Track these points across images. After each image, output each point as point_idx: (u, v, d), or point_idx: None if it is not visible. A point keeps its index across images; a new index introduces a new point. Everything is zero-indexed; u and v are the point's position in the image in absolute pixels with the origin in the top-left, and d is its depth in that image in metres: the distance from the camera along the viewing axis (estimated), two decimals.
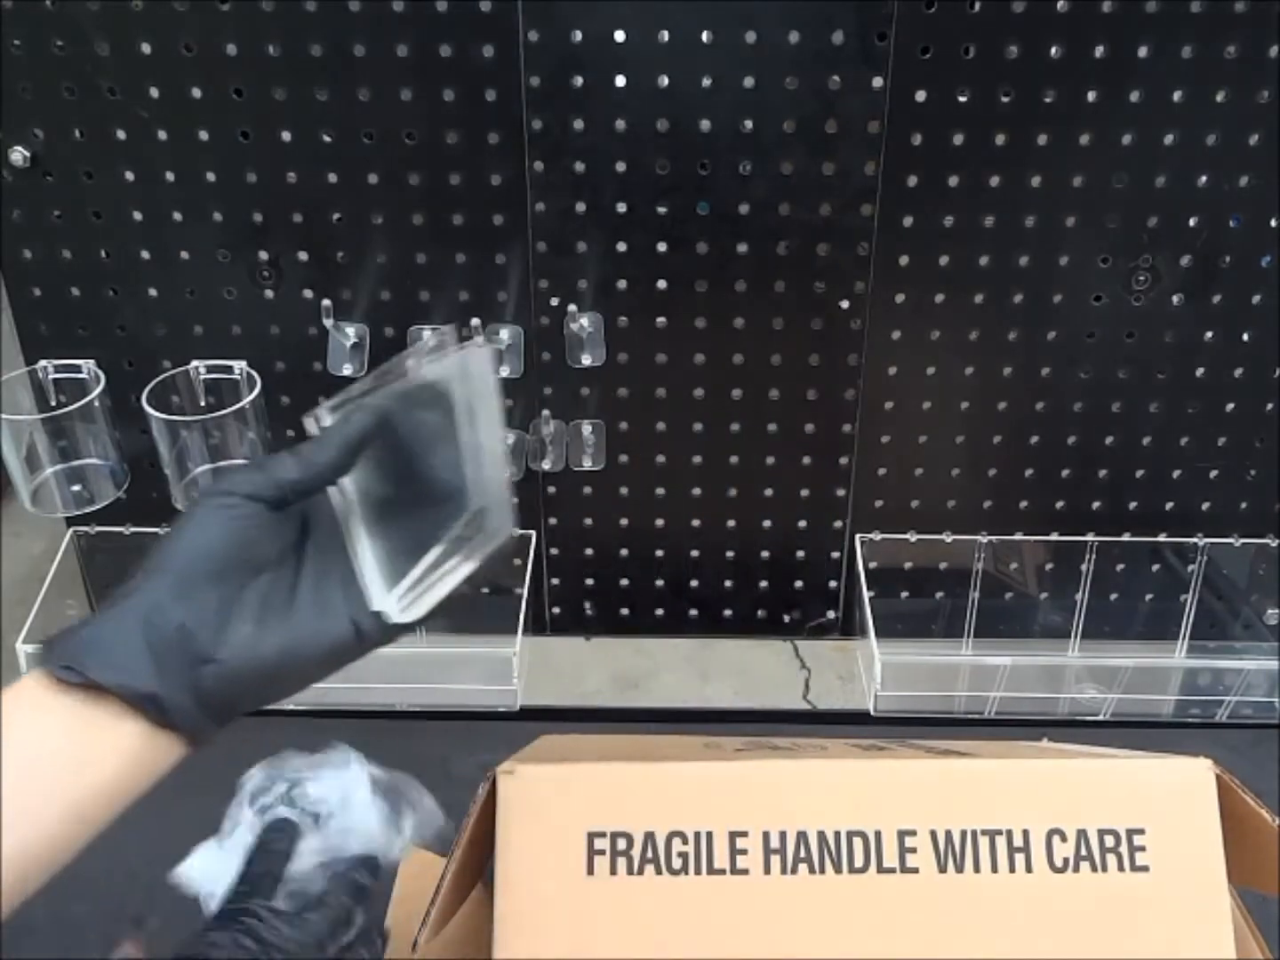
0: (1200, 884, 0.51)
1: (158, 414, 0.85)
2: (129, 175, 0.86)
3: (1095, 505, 0.99)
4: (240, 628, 0.45)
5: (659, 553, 1.02)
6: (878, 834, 0.51)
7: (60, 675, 0.42)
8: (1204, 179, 0.84)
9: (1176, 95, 0.81)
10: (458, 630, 0.96)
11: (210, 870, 0.66)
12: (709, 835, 0.51)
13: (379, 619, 0.47)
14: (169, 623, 0.43)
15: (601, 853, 0.51)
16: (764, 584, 1.03)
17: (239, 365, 0.90)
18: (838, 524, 1.00)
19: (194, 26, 0.80)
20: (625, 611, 1.05)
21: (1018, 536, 0.98)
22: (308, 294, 0.90)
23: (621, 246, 0.88)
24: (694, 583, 1.03)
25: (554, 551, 1.02)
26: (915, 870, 0.51)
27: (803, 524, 1.00)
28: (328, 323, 0.90)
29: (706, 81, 0.81)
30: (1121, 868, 0.51)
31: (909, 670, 0.89)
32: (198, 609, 0.44)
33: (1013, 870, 0.51)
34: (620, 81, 0.81)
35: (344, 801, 0.68)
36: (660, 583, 1.03)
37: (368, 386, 0.49)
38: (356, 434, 0.46)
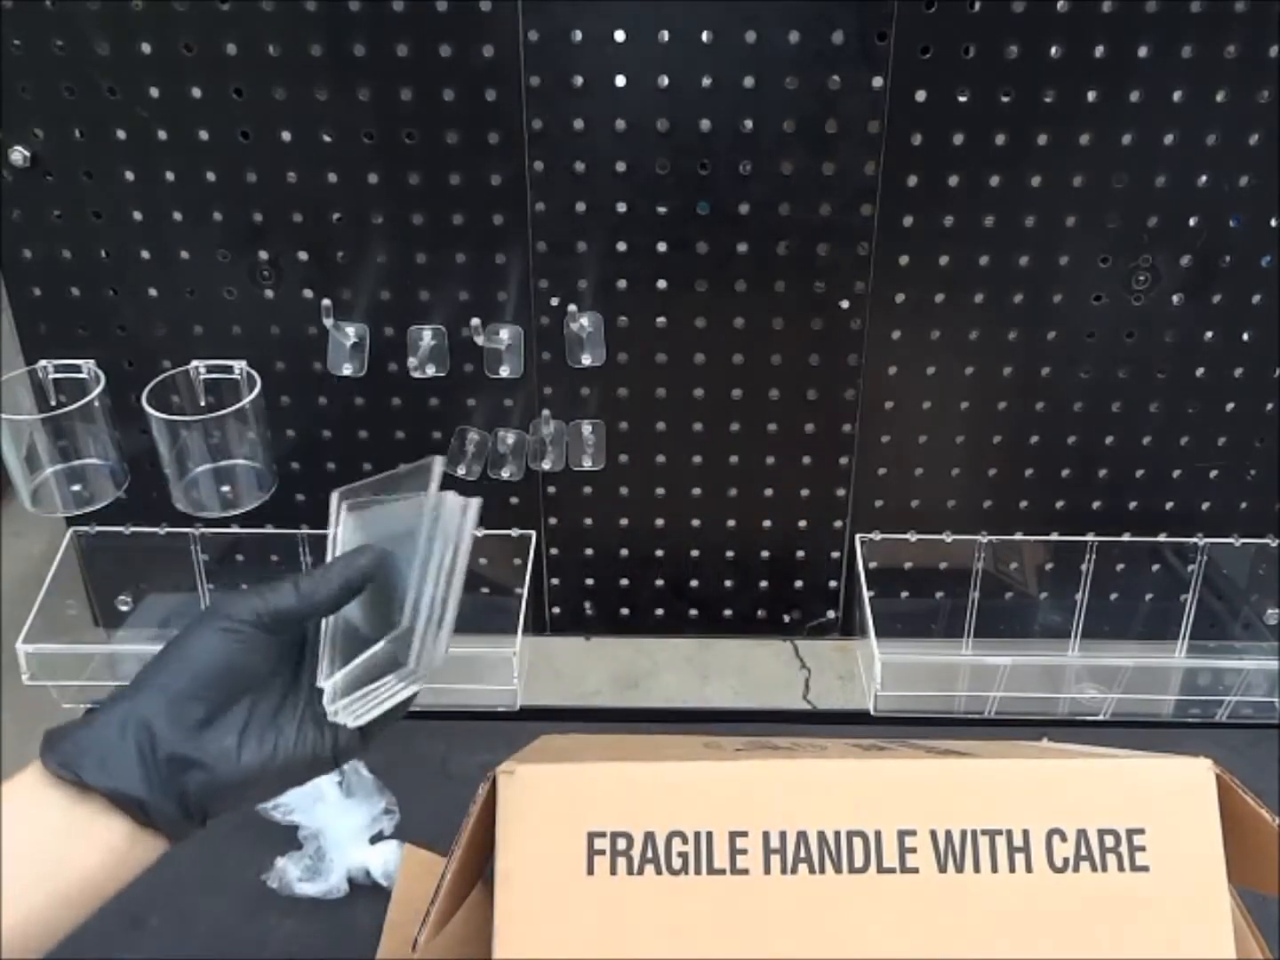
0: (1200, 884, 0.51)
1: (158, 414, 0.85)
2: (129, 175, 0.86)
3: (1095, 505, 0.99)
4: (225, 740, 0.49)
5: (659, 553, 1.02)
6: (878, 834, 0.51)
7: (57, 773, 0.46)
8: (1204, 179, 0.84)
9: (1176, 95, 0.81)
10: (458, 630, 0.96)
11: None
12: (709, 835, 0.51)
13: (351, 732, 0.51)
14: (159, 733, 0.47)
15: (601, 853, 0.51)
16: (764, 584, 1.03)
17: (239, 365, 0.90)
18: (838, 524, 1.00)
19: (194, 26, 0.80)
20: (625, 611, 1.05)
21: (1018, 536, 0.98)
22: (308, 294, 0.90)
23: (621, 246, 0.88)
24: (694, 583, 1.03)
25: (554, 551, 1.02)
26: (915, 870, 0.51)
27: (803, 524, 1.00)
28: (328, 323, 0.90)
29: (706, 81, 0.81)
30: (1121, 868, 0.51)
31: (909, 670, 0.89)
32: (187, 721, 0.48)
33: (1013, 870, 0.51)
34: (620, 81, 0.81)
35: None
36: (660, 583, 1.03)
37: (382, 484, 0.53)
38: (358, 575, 0.51)
